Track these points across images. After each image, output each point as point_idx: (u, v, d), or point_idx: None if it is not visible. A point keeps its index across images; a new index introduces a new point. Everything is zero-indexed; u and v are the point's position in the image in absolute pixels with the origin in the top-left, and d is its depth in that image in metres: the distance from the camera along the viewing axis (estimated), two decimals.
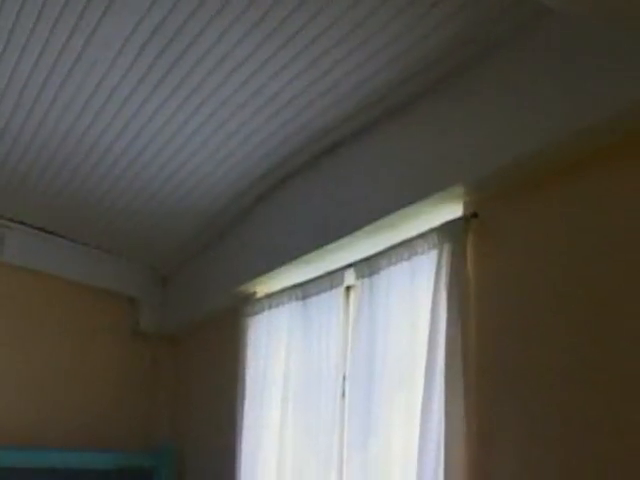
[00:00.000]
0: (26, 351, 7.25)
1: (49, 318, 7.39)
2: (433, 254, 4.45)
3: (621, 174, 3.57)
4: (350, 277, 5.19)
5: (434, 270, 4.41)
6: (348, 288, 5.28)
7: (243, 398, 6.02)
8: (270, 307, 5.94)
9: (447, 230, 4.39)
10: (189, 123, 5.29)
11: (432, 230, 4.49)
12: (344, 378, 5.16)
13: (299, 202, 5.64)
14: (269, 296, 6.00)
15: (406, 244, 4.67)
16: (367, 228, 4.88)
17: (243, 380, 6.06)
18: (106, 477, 7.07)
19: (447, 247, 4.36)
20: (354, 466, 4.89)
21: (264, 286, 6.11)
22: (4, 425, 6.93)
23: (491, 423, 4.12)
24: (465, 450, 4.16)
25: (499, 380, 4.12)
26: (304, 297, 5.57)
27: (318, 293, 5.45)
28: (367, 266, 4.95)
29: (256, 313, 6.08)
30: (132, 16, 4.41)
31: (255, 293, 6.19)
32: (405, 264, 4.67)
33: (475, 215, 4.32)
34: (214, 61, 4.67)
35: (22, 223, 7.15)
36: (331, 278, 5.35)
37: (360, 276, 5.00)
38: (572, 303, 3.79)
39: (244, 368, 6.08)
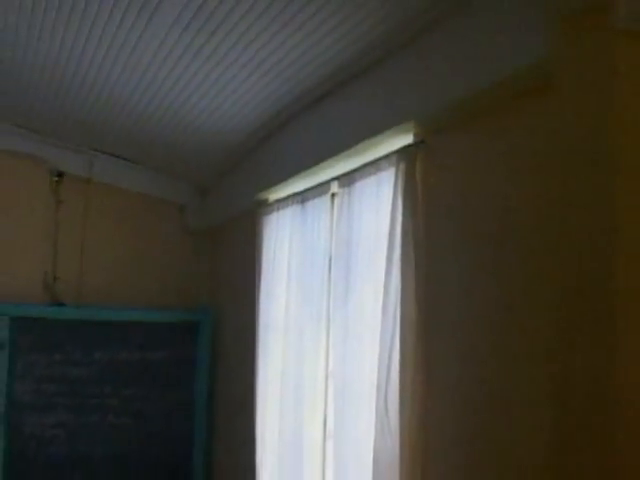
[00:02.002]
0: (108, 242, 7.39)
1: (123, 219, 7.52)
2: (392, 170, 4.44)
3: (546, 109, 3.44)
4: (335, 187, 5.20)
5: (393, 182, 4.40)
6: (333, 195, 5.28)
7: (260, 274, 6.07)
8: (278, 209, 5.96)
9: (402, 153, 4.38)
10: (214, 71, 5.28)
11: (392, 153, 4.48)
12: (330, 259, 5.19)
13: (300, 133, 5.65)
14: (278, 201, 6.01)
15: (373, 163, 4.67)
16: (346, 152, 4.90)
17: (259, 262, 6.10)
18: (162, 328, 7.25)
19: (402, 165, 4.35)
20: (337, 320, 4.96)
21: (274, 194, 6.13)
22: (88, 291, 7.18)
23: (435, 288, 4.16)
24: (415, 308, 4.21)
25: (441, 260, 4.15)
26: (302, 202, 5.58)
27: (312, 199, 5.45)
28: (347, 179, 4.95)
29: (268, 214, 6.10)
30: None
31: (268, 199, 6.21)
32: (373, 178, 4.67)
33: (423, 142, 4.31)
34: (228, 27, 4.67)
35: (104, 152, 7.24)
36: (322, 188, 5.35)
37: (342, 186, 5.01)
38: (497, 206, 3.80)
39: (260, 254, 6.11)
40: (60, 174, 7.27)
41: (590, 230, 3.03)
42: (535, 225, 3.52)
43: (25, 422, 6.78)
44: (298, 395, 5.38)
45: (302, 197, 5.59)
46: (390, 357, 4.25)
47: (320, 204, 5.36)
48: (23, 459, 6.73)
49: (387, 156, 4.54)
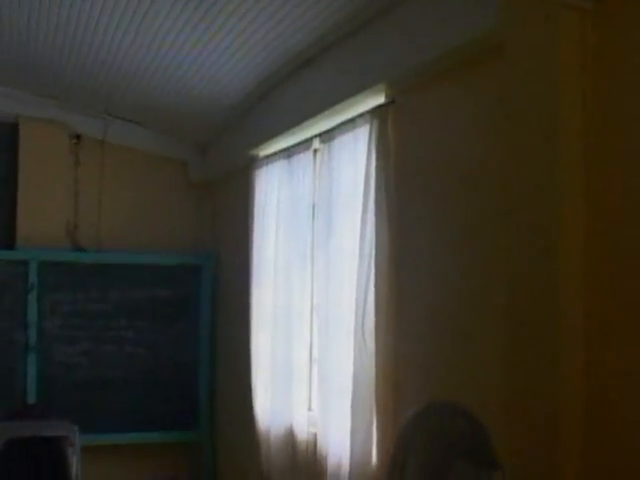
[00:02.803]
0: (121, 195, 7.36)
1: (134, 175, 7.43)
2: (367, 127, 4.36)
3: (499, 72, 3.35)
4: (317, 143, 5.10)
5: (367, 138, 4.33)
6: (315, 150, 5.19)
7: (253, 221, 5.98)
8: (268, 164, 5.84)
9: (375, 112, 4.31)
10: (210, 43, 5.15)
11: (366, 112, 4.40)
12: (314, 206, 5.12)
13: (286, 96, 5.50)
14: (267, 157, 5.89)
15: (350, 121, 4.58)
16: (326, 111, 4.79)
17: (252, 210, 6.00)
18: (170, 269, 7.21)
19: (375, 123, 4.28)
20: (320, 261, 4.92)
21: (264, 150, 5.97)
22: (105, 238, 7.20)
23: (405, 232, 4.14)
24: (387, 250, 4.19)
25: (410, 207, 4.12)
26: (289, 157, 5.47)
27: (297, 154, 5.35)
28: (327, 136, 4.85)
29: (259, 168, 5.98)
30: None
31: (259, 155, 6.07)
32: (350, 134, 4.58)
33: (393, 101, 4.24)
34: (222, 3, 4.57)
35: (117, 117, 7.12)
36: (305, 144, 5.25)
37: (323, 142, 4.91)
38: (460, 159, 3.77)
39: (253, 203, 6.01)
40: (78, 137, 7.21)
41: (537, 179, 3.01)
42: (492, 175, 3.48)
43: (53, 352, 6.84)
44: (287, 326, 5.34)
45: (288, 153, 5.47)
46: (366, 291, 4.22)
47: (304, 158, 5.26)
48: (53, 383, 6.79)
49: (362, 115, 4.44)
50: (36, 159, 7.01)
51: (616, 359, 2.82)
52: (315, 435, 4.92)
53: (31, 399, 6.71)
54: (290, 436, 5.28)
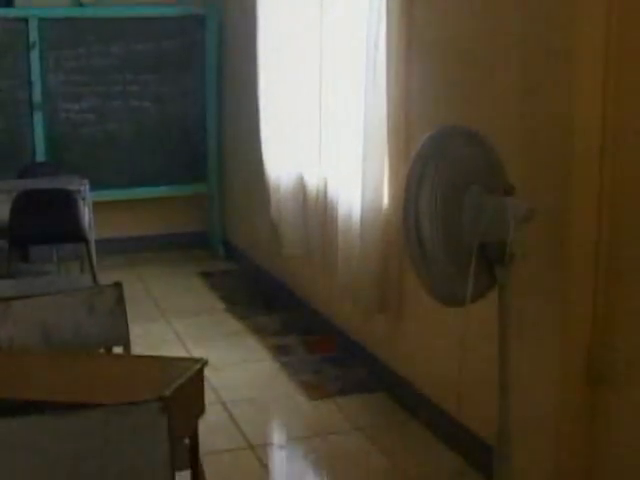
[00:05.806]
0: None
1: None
2: None
3: None
4: None
5: None
6: None
7: None
8: None
9: None
10: None
11: None
12: None
13: None
14: None
15: None
16: None
17: None
18: (173, 21, 7.07)
19: None
20: None
21: None
22: None
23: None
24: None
25: None
26: None
27: None
28: None
29: None
30: None
31: None
32: None
33: None
34: None
35: None
36: None
37: None
38: None
39: None
40: None
41: None
42: None
43: (59, 109, 6.86)
44: (296, 71, 5.18)
45: None
46: (378, 25, 4.01)
47: None
48: (60, 140, 6.85)
49: None
50: None
51: None
52: (325, 181, 4.91)
53: (40, 157, 6.81)
54: (300, 184, 5.31)
